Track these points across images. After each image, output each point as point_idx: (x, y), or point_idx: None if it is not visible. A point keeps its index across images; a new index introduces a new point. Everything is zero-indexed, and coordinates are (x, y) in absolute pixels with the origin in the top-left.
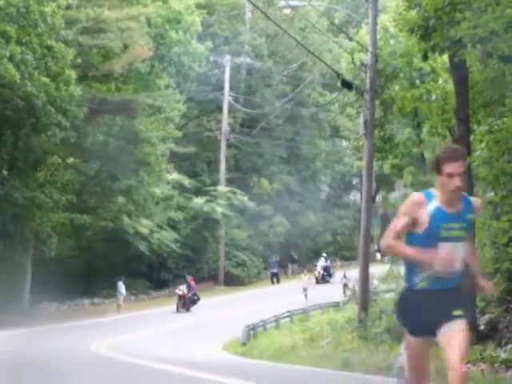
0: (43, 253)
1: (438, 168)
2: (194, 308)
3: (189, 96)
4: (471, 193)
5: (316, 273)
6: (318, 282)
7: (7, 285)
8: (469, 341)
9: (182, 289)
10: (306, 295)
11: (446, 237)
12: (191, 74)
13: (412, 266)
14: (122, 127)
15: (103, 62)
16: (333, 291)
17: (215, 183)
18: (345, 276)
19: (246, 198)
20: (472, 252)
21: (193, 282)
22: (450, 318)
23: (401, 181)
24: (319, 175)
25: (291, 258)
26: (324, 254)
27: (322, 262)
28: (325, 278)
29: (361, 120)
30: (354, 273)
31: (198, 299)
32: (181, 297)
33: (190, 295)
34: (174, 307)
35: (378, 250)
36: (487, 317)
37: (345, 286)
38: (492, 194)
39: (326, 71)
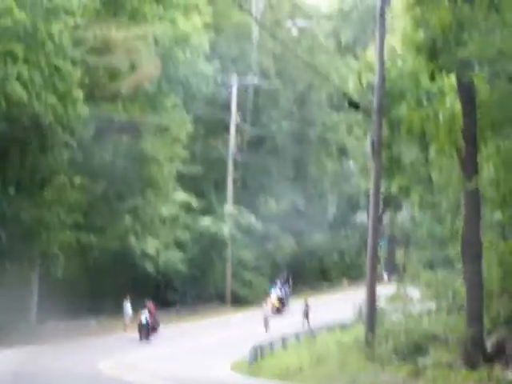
0: (50, 272)
1: None
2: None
3: (196, 116)
4: (478, 213)
5: (269, 303)
6: (272, 311)
7: (14, 303)
8: None
9: (145, 315)
10: (266, 326)
11: None
12: (198, 93)
13: None
14: (129, 147)
15: (110, 82)
16: (288, 323)
17: (222, 203)
18: (306, 304)
19: (252, 218)
20: None
21: (152, 307)
22: None
23: (408, 201)
24: (326, 195)
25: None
26: (278, 280)
27: (276, 290)
28: (279, 310)
29: (368, 140)
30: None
31: (158, 326)
32: (143, 325)
33: (151, 322)
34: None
35: (385, 270)
36: (494, 337)
37: (306, 314)
38: (499, 214)
39: (333, 91)
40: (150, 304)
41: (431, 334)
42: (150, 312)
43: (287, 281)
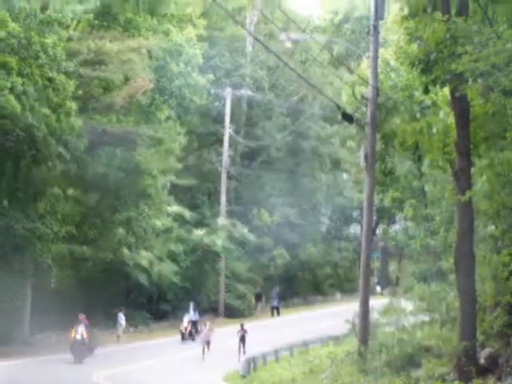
0: (43, 283)
1: None
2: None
3: (189, 128)
4: (472, 226)
5: (182, 328)
6: (184, 339)
7: (7, 315)
8: None
9: (80, 332)
10: (204, 349)
11: None
12: (192, 106)
13: None
14: (123, 159)
15: (104, 94)
16: (195, 353)
17: (215, 215)
18: (242, 328)
19: (246, 230)
20: None
21: (87, 322)
22: None
23: (401, 214)
24: (319, 208)
25: (259, 294)
26: (192, 305)
27: (190, 315)
28: (192, 335)
29: (361, 153)
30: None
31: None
32: (79, 341)
33: (87, 341)
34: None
35: (378, 283)
36: (487, 350)
37: (242, 339)
38: (493, 227)
39: (326, 104)
40: (83, 319)
41: (424, 346)
42: (86, 328)
43: (196, 309)
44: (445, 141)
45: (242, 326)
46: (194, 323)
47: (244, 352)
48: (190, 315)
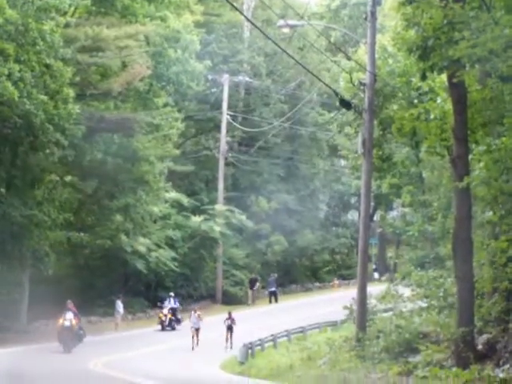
0: (41, 271)
1: None
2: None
3: (187, 114)
4: (470, 212)
5: (162, 316)
6: (163, 328)
7: (5, 302)
8: None
9: (68, 319)
10: (194, 337)
11: None
12: (189, 92)
13: None
14: (120, 145)
15: (101, 81)
16: (180, 343)
17: (213, 202)
18: (229, 316)
19: (243, 217)
20: None
21: (75, 309)
22: None
23: (399, 200)
24: (317, 194)
25: (253, 280)
26: (172, 293)
27: (170, 303)
28: (172, 323)
29: (359, 139)
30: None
31: (85, 334)
32: (68, 328)
33: (77, 328)
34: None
35: (376, 269)
36: (485, 337)
37: (229, 328)
38: (490, 213)
39: (324, 90)
40: (71, 305)
41: (422, 332)
42: (75, 315)
43: (176, 298)
44: (442, 127)
45: (229, 314)
46: (173, 311)
47: (231, 345)
48: (171, 303)
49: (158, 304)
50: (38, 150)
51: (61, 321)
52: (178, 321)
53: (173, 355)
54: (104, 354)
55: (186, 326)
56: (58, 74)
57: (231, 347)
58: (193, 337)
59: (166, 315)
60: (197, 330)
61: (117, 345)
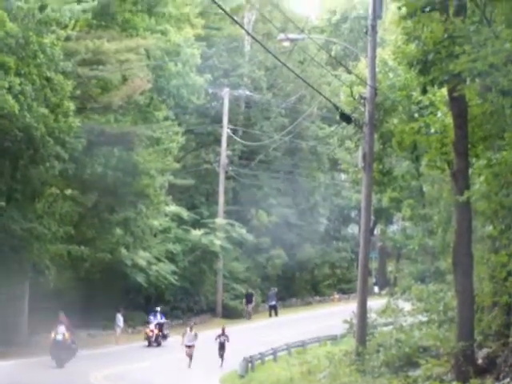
0: (41, 284)
1: None
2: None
3: (187, 128)
4: (470, 226)
5: (149, 332)
6: (150, 344)
7: (5, 315)
8: None
9: (61, 332)
10: (188, 355)
11: None
12: (190, 106)
13: None
14: (121, 159)
15: (102, 94)
16: (175, 357)
17: (213, 215)
18: (223, 333)
19: (244, 231)
20: None
21: (67, 322)
22: None
23: (399, 214)
24: (318, 208)
25: (249, 295)
26: (158, 308)
27: (157, 318)
28: (158, 339)
29: (359, 153)
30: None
31: (77, 348)
32: (60, 343)
33: (70, 341)
34: (170, 339)
35: (376, 283)
36: (485, 351)
37: (221, 345)
38: (490, 227)
39: (324, 104)
40: (64, 318)
41: (422, 346)
42: (67, 328)
43: (163, 313)
44: (443, 141)
45: (223, 330)
46: (160, 326)
47: (221, 362)
48: (157, 318)
49: (146, 319)
50: (38, 163)
51: (53, 334)
52: (165, 336)
53: (170, 369)
54: (99, 368)
55: (173, 342)
56: (59, 88)
57: (221, 365)
58: (187, 355)
59: (152, 331)
60: (189, 347)
61: (110, 359)
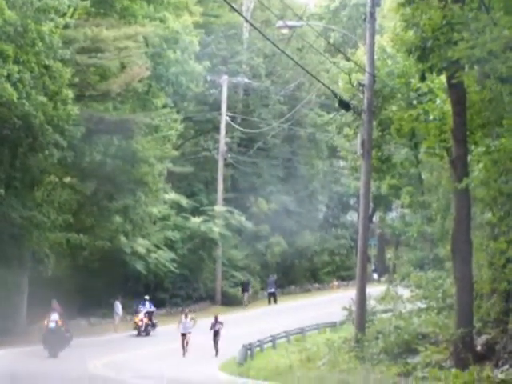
0: (40, 272)
1: None
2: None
3: (186, 115)
4: (469, 214)
5: (138, 321)
6: (139, 333)
7: (4, 304)
8: None
9: (54, 320)
10: (184, 346)
11: None
12: (188, 93)
13: None
14: (119, 147)
15: (100, 82)
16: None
17: (212, 203)
18: (216, 321)
19: (243, 218)
20: None
21: (60, 310)
22: None
23: (398, 201)
24: (317, 195)
25: (245, 283)
26: (147, 297)
27: (145, 306)
28: (147, 328)
29: (358, 140)
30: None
31: (71, 337)
32: (53, 331)
33: (63, 329)
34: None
35: (375, 270)
36: (484, 337)
37: (216, 333)
38: (489, 214)
39: (323, 91)
40: (57, 305)
41: (421, 333)
42: (61, 315)
43: (152, 302)
44: (441, 128)
45: (216, 318)
46: (149, 314)
47: (216, 351)
48: (146, 307)
49: (134, 308)
50: (37, 151)
51: (46, 322)
52: (154, 326)
53: (168, 357)
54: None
55: (162, 331)
56: (57, 75)
57: (216, 354)
58: (183, 343)
59: (141, 320)
60: (185, 335)
61: (109, 347)
